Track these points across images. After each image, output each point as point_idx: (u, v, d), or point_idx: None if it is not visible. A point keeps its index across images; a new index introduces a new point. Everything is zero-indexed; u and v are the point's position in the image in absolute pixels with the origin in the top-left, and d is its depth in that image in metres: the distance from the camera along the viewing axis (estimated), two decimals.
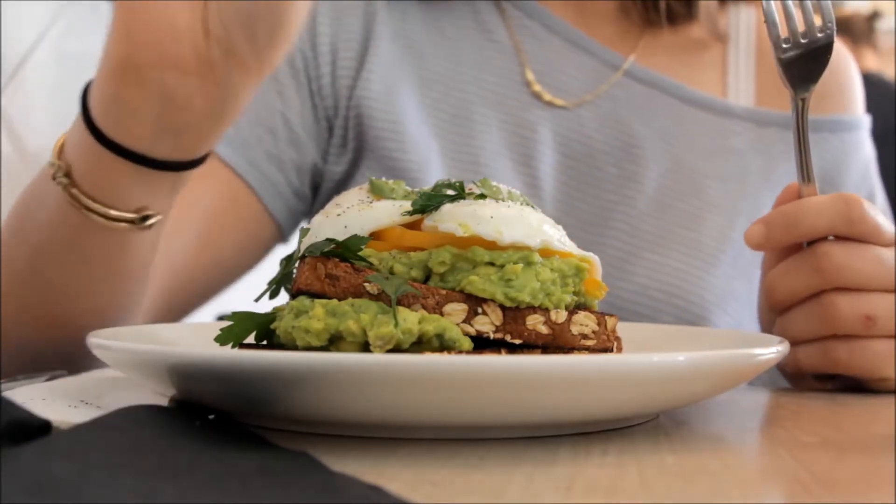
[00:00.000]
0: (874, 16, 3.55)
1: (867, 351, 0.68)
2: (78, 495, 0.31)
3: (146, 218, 0.64)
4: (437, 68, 0.97)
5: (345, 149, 0.95)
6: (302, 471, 0.37)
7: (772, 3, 0.71)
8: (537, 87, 0.97)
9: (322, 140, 0.96)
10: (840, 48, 1.05)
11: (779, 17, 0.71)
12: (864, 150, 1.03)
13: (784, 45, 0.71)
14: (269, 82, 0.94)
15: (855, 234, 0.68)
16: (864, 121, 1.04)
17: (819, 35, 0.70)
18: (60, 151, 0.64)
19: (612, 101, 0.97)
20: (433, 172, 0.91)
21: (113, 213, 0.62)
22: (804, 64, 0.71)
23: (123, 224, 0.63)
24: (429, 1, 1.00)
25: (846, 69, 1.05)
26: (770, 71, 0.99)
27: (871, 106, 1.06)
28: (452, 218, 0.54)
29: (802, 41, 0.70)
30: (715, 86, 1.02)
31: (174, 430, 0.43)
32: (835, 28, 0.71)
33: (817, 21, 0.70)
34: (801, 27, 0.70)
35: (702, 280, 0.90)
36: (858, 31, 3.37)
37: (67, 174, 0.62)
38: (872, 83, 3.00)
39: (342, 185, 0.96)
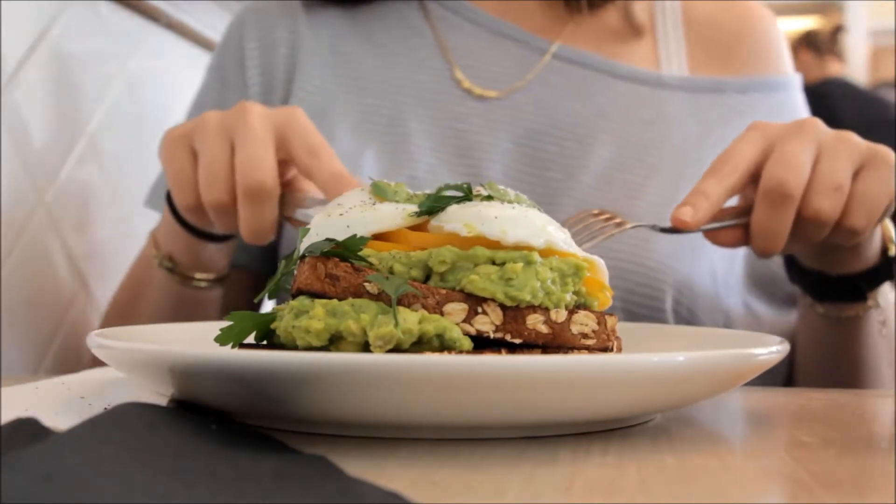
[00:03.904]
0: (838, 29, 4.14)
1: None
2: (89, 489, 0.31)
3: (222, 279, 0.91)
4: (371, 75, 1.00)
5: None
6: (318, 475, 0.37)
7: None
8: (467, 84, 1.00)
9: None
10: (763, 11, 1.08)
11: None
12: (797, 108, 1.05)
13: None
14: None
15: (774, 138, 0.73)
16: (795, 80, 1.06)
17: None
18: (155, 245, 0.89)
19: (544, 85, 1.00)
20: (366, 174, 0.94)
21: (204, 276, 0.89)
22: None
23: (207, 285, 0.90)
24: (353, 8, 1.03)
25: (771, 30, 1.07)
26: (700, 39, 1.04)
27: (839, 105, 1.08)
28: (457, 219, 0.54)
29: None
30: (648, 60, 1.04)
31: (188, 431, 0.43)
32: None
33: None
34: None
35: (648, 243, 0.91)
36: (822, 43, 3.83)
37: (170, 259, 0.88)
38: (837, 85, 3.37)
39: None
